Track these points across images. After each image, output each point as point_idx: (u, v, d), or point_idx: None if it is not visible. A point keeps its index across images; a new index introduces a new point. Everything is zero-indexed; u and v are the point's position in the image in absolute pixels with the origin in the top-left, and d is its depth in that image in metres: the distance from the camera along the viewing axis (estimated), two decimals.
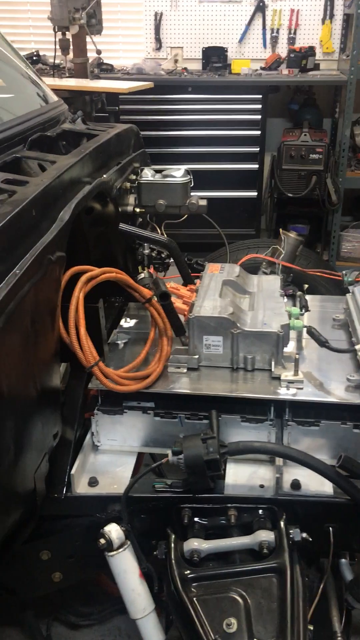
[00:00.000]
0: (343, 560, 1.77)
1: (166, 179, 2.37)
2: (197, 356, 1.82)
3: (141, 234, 2.11)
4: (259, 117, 4.81)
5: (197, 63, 5.26)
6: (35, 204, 1.46)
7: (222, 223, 4.53)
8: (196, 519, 1.65)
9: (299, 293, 2.17)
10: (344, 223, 5.18)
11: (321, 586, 1.68)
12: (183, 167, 2.40)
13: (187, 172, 2.41)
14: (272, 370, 1.78)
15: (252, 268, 2.49)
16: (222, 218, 4.72)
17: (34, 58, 5.21)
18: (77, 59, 4.33)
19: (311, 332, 1.84)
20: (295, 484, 1.66)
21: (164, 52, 5.39)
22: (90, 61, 5.03)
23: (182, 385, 1.77)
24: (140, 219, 2.47)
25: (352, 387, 1.72)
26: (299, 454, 1.61)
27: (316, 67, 5.05)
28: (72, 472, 1.64)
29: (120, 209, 2.35)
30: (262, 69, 5.10)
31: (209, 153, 4.91)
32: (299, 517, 1.64)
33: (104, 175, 2.10)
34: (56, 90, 3.99)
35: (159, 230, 2.41)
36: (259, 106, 4.78)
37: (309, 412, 1.71)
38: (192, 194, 2.46)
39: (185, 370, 1.82)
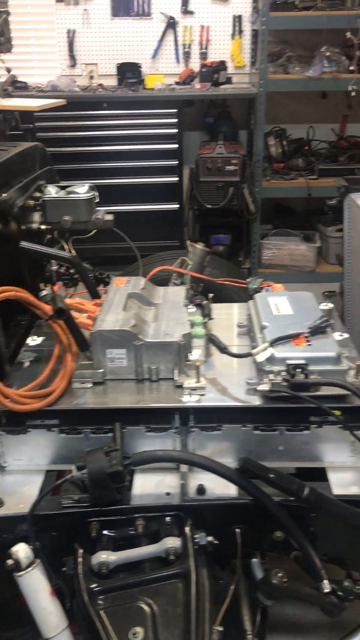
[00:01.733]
0: (254, 560, 1.82)
1: (70, 196, 2.38)
2: (101, 370, 1.84)
3: (43, 251, 2.11)
4: (176, 130, 4.91)
5: (112, 79, 5.31)
6: None
7: (145, 236, 4.60)
8: (105, 532, 1.67)
9: (204, 302, 2.22)
10: (265, 231, 5.33)
11: (232, 587, 1.71)
12: (87, 184, 2.42)
13: (92, 187, 2.43)
14: (175, 378, 1.82)
15: (164, 280, 2.53)
16: (146, 231, 4.82)
17: None
18: None
19: (211, 339, 1.88)
20: (201, 489, 1.70)
21: (79, 68, 5.42)
22: (4, 79, 5.01)
23: (87, 400, 1.78)
24: (49, 236, 2.47)
25: (251, 390, 1.77)
26: (200, 459, 1.65)
27: (228, 80, 5.19)
28: None
29: (25, 227, 2.36)
30: (176, 83, 5.20)
31: (129, 167, 4.96)
32: (206, 521, 1.68)
33: (3, 195, 2.10)
34: None
35: (65, 247, 2.42)
36: (175, 120, 4.88)
37: (212, 417, 1.75)
38: (99, 209, 2.48)
39: (90, 385, 1.83)
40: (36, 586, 1.62)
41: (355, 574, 1.77)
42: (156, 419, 1.75)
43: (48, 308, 1.87)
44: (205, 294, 2.34)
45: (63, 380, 1.79)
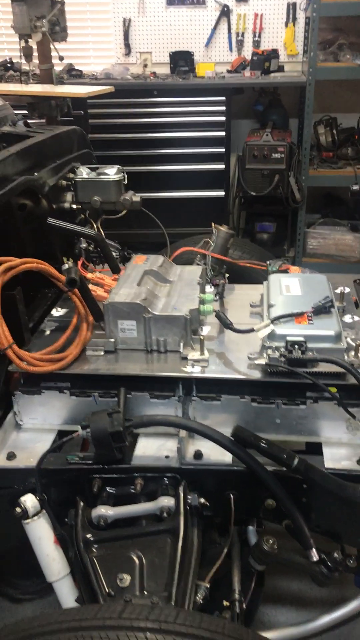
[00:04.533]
0: (250, 527, 1.91)
1: (100, 177, 2.50)
2: (113, 340, 1.95)
3: (68, 228, 2.24)
4: (224, 118, 4.96)
5: (165, 67, 5.41)
6: None
7: (191, 222, 4.69)
8: (107, 489, 1.79)
9: (221, 282, 2.31)
10: (311, 220, 5.32)
11: (224, 550, 1.80)
12: (116, 166, 2.54)
13: (120, 170, 2.55)
14: (181, 350, 1.91)
15: (191, 261, 2.63)
16: (192, 217, 4.90)
17: (8, 65, 5.38)
18: (43, 66, 4.48)
19: (218, 316, 1.97)
20: (198, 454, 1.79)
21: (134, 57, 5.55)
22: (62, 67, 5.21)
23: (97, 366, 1.90)
24: (82, 216, 2.61)
25: (252, 364, 1.84)
26: (196, 425, 1.75)
27: (280, 69, 5.20)
28: None
29: (57, 206, 2.50)
30: (228, 71, 5.25)
31: (176, 154, 5.06)
32: (202, 485, 1.77)
33: (35, 174, 2.24)
34: (21, 96, 4.16)
35: (94, 226, 2.55)
36: (223, 108, 4.93)
37: (212, 388, 1.84)
38: (127, 192, 2.59)
39: (102, 353, 1.96)
40: (41, 534, 1.76)
41: (349, 548, 1.82)
42: (160, 386, 1.86)
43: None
44: (232, 275, 2.44)
45: (77, 347, 1.92)
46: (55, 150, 2.53)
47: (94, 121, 5.02)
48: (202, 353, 1.89)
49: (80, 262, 2.24)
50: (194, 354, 1.89)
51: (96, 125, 5.03)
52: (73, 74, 5.24)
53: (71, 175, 2.51)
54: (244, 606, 1.75)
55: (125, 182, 2.57)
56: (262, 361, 1.79)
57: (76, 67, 5.35)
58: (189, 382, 1.86)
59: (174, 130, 5.00)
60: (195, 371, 1.85)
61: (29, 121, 3.01)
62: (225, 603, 1.74)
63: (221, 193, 5.16)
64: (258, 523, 1.93)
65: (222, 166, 5.08)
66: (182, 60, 5.32)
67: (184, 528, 1.63)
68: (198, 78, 5.13)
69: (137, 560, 1.60)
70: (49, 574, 1.77)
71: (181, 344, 1.92)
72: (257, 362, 1.80)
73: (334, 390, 1.79)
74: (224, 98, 4.90)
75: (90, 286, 2.12)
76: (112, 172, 2.51)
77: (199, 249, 2.55)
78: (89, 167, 2.57)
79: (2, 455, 1.84)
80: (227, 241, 2.57)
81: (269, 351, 1.80)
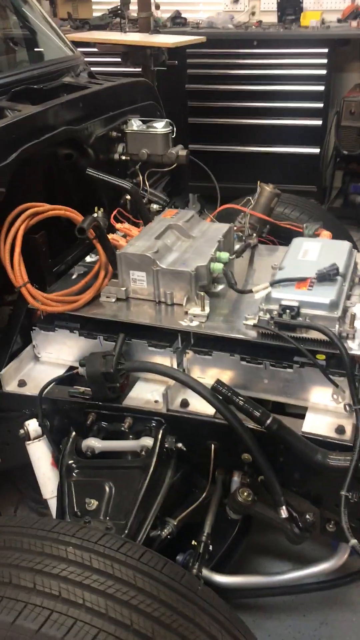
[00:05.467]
0: (235, 478, 1.99)
1: (148, 130, 2.58)
2: (124, 288, 2.08)
3: (105, 178, 2.36)
4: (324, 72, 4.77)
5: (273, 15, 5.26)
6: None
7: (281, 179, 4.63)
8: (102, 424, 1.95)
9: (251, 241, 2.35)
10: None
11: (203, 495, 1.92)
12: (165, 120, 2.60)
13: (170, 123, 2.61)
14: (183, 304, 2.00)
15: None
16: (282, 174, 4.83)
17: (118, 12, 5.48)
18: (141, 14, 4.54)
19: (225, 274, 2.02)
20: (184, 403, 1.89)
21: (242, 4, 5.43)
22: (169, 15, 5.24)
23: (104, 312, 2.04)
24: (134, 168, 2.71)
25: (247, 325, 1.89)
26: (182, 376, 1.84)
27: None
28: (2, 372, 1.99)
29: (107, 156, 2.62)
30: (338, 20, 5.01)
31: (271, 108, 4.96)
32: (185, 432, 1.88)
33: (80, 125, 2.37)
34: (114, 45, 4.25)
35: (140, 179, 2.64)
36: (325, 60, 4.74)
37: (206, 343, 1.92)
38: (176, 145, 2.65)
39: (114, 300, 2.09)
40: (40, 455, 1.97)
41: (328, 513, 1.86)
42: (158, 336, 1.97)
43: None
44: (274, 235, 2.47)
45: (90, 292, 2.07)
46: (109, 101, 2.63)
47: (192, 71, 5.04)
48: (202, 309, 1.96)
49: (113, 213, 2.36)
50: (194, 309, 1.97)
51: (194, 75, 5.04)
52: (177, 22, 5.25)
53: (123, 127, 2.61)
54: (210, 547, 1.86)
55: (174, 135, 2.63)
56: (251, 322, 1.83)
57: (183, 15, 5.34)
58: (185, 334, 1.95)
59: (271, 82, 4.89)
60: (192, 325, 1.94)
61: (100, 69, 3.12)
62: (193, 542, 1.86)
63: (315, 150, 5.01)
64: (243, 474, 2.01)
65: (319, 122, 4.92)
66: (290, 8, 5.13)
67: (154, 466, 1.76)
68: (302, 28, 4.94)
69: (107, 489, 1.76)
70: (45, 491, 1.98)
71: (185, 298, 2.01)
72: (245, 322, 1.84)
73: (322, 357, 1.80)
74: (326, 50, 4.70)
75: (114, 236, 2.24)
76: (160, 126, 2.58)
77: (239, 206, 2.57)
78: (141, 120, 2.65)
79: (14, 382, 2.05)
80: (270, 200, 2.57)
81: (260, 313, 1.83)
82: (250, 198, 2.58)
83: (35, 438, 1.96)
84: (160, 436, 1.82)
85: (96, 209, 2.30)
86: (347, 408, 1.78)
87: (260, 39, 4.83)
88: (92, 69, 2.97)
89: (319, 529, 1.87)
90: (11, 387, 2.03)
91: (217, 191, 2.93)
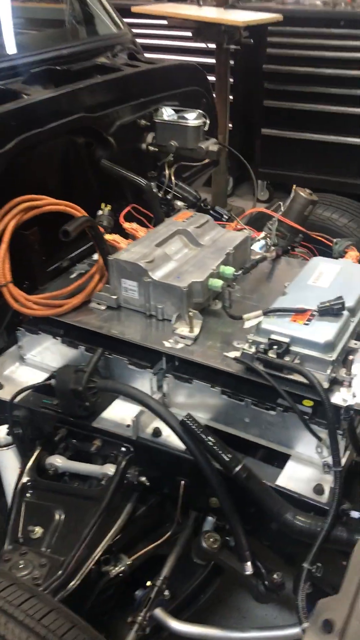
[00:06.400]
0: (209, 517, 1.82)
1: (178, 120, 2.38)
2: (115, 296, 1.92)
3: (120, 172, 2.19)
4: None
5: None
6: None
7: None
8: (73, 441, 1.82)
9: (267, 255, 2.12)
10: None
11: (169, 533, 1.76)
12: (198, 111, 2.38)
13: (203, 115, 2.39)
14: (172, 322, 1.82)
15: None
16: None
17: None
18: None
19: (222, 293, 1.82)
20: (157, 432, 1.73)
21: None
22: None
23: (90, 320, 1.89)
24: (164, 161, 2.52)
25: (233, 354, 1.69)
26: (155, 404, 1.65)
27: None
28: None
29: (133, 146, 2.45)
30: None
31: (353, 95, 4.56)
32: (155, 463, 1.72)
33: (103, 112, 2.21)
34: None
35: (166, 172, 2.45)
36: None
37: (187, 370, 1.74)
38: (208, 139, 2.44)
39: (103, 308, 1.94)
40: (7, 464, 1.87)
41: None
42: (139, 354, 1.80)
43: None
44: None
45: (79, 297, 1.93)
46: (142, 86, 2.44)
47: (272, 51, 4.71)
48: (190, 330, 1.78)
49: (125, 211, 2.20)
50: (182, 329, 1.79)
51: (273, 55, 4.72)
52: None
53: (154, 116, 2.42)
54: (164, 592, 1.70)
55: (206, 128, 2.41)
56: (233, 354, 1.63)
57: None
58: (169, 356, 1.77)
59: (356, 67, 4.49)
60: (175, 347, 1.76)
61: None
62: (148, 583, 1.72)
63: None
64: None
65: None
66: None
67: (107, 500, 1.62)
68: None
69: (57, 517, 1.64)
70: (9, 501, 1.89)
71: (174, 316, 1.83)
72: (227, 353, 1.65)
73: (309, 404, 1.58)
74: None
75: (115, 238, 2.07)
76: (191, 117, 2.37)
77: (269, 211, 2.34)
78: (174, 109, 2.45)
79: None
80: (304, 207, 2.32)
81: (246, 345, 1.63)
82: (282, 203, 2.33)
83: (5, 445, 1.86)
84: (122, 467, 1.67)
85: (103, 205, 2.15)
86: (326, 468, 1.55)
87: (348, 19, 4.43)
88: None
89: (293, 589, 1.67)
90: None
91: (254, 186, 2.69)
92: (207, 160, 2.46)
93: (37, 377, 1.97)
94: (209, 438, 1.57)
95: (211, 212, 2.53)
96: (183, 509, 1.74)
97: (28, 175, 1.99)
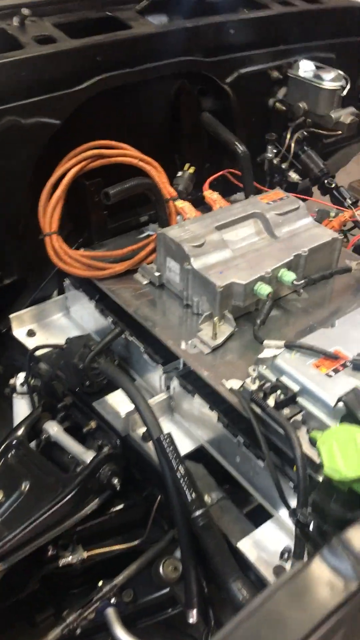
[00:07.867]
0: None
1: (311, 79, 1.99)
2: (159, 274, 1.73)
3: (217, 130, 1.91)
4: None
5: None
6: None
7: None
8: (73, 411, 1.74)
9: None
10: None
11: (136, 542, 1.64)
12: (338, 71, 1.97)
13: (343, 77, 1.97)
14: (199, 322, 1.59)
15: None
16: None
17: None
18: None
19: (263, 304, 1.53)
20: (146, 437, 1.56)
21: None
22: None
23: (123, 293, 1.74)
24: (294, 123, 2.16)
25: (232, 383, 1.43)
26: (144, 409, 1.48)
27: None
28: (11, 315, 1.86)
29: (259, 100, 2.14)
30: None
31: None
32: (137, 467, 1.59)
33: (220, 57, 1.93)
34: None
35: (288, 137, 2.10)
36: None
37: (193, 380, 1.52)
38: (346, 108, 2.02)
39: (145, 282, 1.76)
40: (19, 411, 1.86)
41: None
42: (156, 347, 1.61)
43: (167, 190, 1.81)
44: None
45: (122, 264, 1.77)
46: (288, 31, 2.07)
47: None
48: (213, 336, 1.54)
49: (214, 176, 1.94)
50: (207, 333, 1.56)
51: None
52: None
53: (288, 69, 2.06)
54: (112, 600, 1.59)
55: (344, 94, 2.00)
56: (231, 385, 1.38)
57: None
58: (175, 358, 1.57)
59: None
60: (189, 351, 1.54)
61: None
62: (100, 583, 1.62)
63: None
64: None
65: None
66: None
67: (71, 489, 1.51)
68: None
69: (22, 487, 1.58)
70: None
71: (205, 315, 1.59)
72: (225, 381, 1.39)
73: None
74: None
75: (185, 205, 1.84)
76: (327, 77, 1.97)
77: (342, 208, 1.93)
78: (316, 65, 2.05)
79: (25, 328, 1.90)
80: None
81: (248, 380, 1.36)
82: None
83: (21, 393, 1.84)
84: (98, 460, 1.55)
85: (187, 166, 1.92)
86: (285, 555, 1.28)
87: None
88: None
89: None
90: (18, 332, 1.90)
91: None
92: (339, 133, 2.05)
93: (73, 333, 1.89)
94: (179, 468, 1.38)
95: (334, 191, 2.15)
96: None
97: (107, 119, 1.81)
